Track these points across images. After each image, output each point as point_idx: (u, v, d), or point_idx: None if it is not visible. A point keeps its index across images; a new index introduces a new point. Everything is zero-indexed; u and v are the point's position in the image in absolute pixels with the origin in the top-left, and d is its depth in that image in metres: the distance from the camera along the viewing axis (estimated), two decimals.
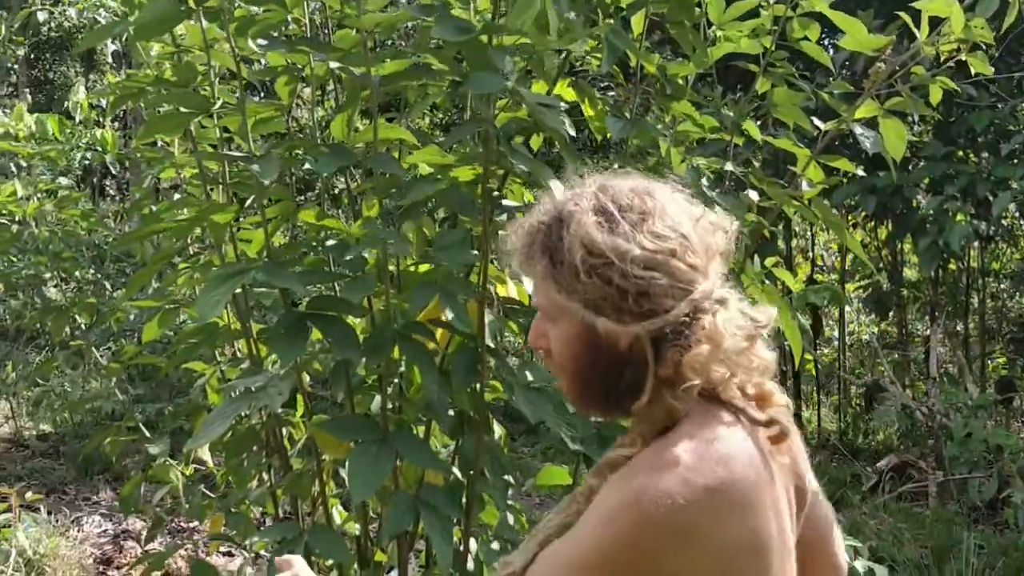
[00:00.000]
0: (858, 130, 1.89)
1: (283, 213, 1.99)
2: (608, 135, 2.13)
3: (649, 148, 2.15)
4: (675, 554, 1.00)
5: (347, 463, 1.73)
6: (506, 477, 1.96)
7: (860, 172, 2.07)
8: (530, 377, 1.86)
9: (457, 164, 1.84)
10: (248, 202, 1.95)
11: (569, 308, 1.09)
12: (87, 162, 6.69)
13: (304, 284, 1.71)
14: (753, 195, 2.01)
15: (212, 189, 2.29)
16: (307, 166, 2.03)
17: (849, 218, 9.93)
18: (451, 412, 2.19)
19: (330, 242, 1.90)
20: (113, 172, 11.58)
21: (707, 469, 1.02)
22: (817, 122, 2.03)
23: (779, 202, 1.95)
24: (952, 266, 9.03)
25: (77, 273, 6.92)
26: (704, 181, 2.13)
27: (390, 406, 2.04)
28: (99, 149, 4.80)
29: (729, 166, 2.01)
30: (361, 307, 1.84)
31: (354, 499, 1.70)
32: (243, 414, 2.30)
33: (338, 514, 2.86)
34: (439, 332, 1.93)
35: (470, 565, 1.98)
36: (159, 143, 2.63)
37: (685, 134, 2.25)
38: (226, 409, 1.75)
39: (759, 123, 2.31)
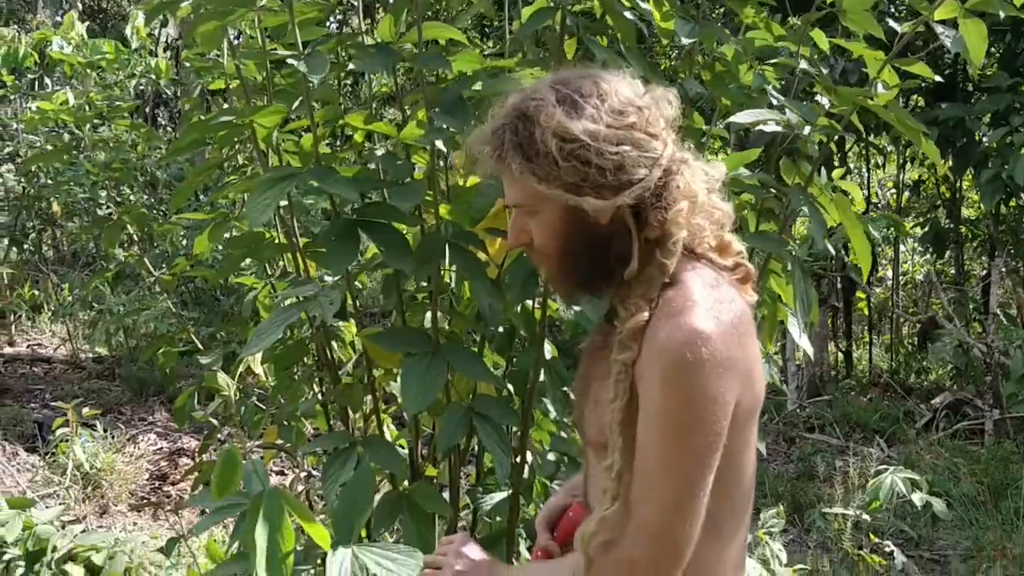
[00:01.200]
0: (939, 29, 1.78)
1: (330, 117, 1.93)
2: (671, 50, 2.05)
3: (715, 54, 2.05)
4: (724, 380, 1.12)
5: (399, 375, 1.70)
6: (564, 389, 1.91)
7: (937, 78, 1.95)
8: None
9: (519, 66, 1.76)
10: (295, 105, 1.90)
11: (551, 195, 1.19)
12: (141, 88, 6.68)
13: (355, 190, 1.66)
14: (823, 100, 1.91)
15: (256, 101, 2.25)
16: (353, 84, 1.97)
17: (907, 152, 9.66)
18: (501, 329, 2.16)
19: (379, 151, 1.84)
20: (166, 101, 11.62)
21: (724, 307, 1.16)
22: (893, 24, 1.92)
23: (854, 102, 1.85)
24: (1013, 203, 8.75)
25: (132, 197, 7.00)
26: (771, 88, 2.04)
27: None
28: (153, 76, 4.80)
29: (804, 64, 1.91)
30: (412, 215, 1.79)
31: (407, 411, 1.67)
32: (292, 329, 2.29)
33: (388, 432, 2.86)
34: (495, 245, 1.87)
35: (525, 477, 1.96)
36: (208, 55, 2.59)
37: (751, 42, 2.16)
38: (278, 317, 1.72)
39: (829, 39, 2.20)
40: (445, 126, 1.66)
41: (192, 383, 6.74)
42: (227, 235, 2.56)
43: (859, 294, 10.62)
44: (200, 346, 2.54)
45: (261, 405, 2.43)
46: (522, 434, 1.93)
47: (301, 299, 1.79)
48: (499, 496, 1.98)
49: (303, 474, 4.11)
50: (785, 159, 2.18)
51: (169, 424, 5.69)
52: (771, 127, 1.79)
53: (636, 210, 1.19)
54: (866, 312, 11.15)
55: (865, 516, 3.82)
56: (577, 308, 2.07)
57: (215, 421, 2.31)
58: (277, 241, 2.27)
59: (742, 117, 1.78)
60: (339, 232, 1.68)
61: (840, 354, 10.23)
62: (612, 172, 1.16)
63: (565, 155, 1.15)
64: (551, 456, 2.02)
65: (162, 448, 5.16)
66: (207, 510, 1.48)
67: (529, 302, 2.03)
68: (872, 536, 3.75)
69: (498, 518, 2.27)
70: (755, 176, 2.15)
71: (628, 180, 1.17)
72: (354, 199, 1.71)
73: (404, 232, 1.84)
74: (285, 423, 2.37)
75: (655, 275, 1.18)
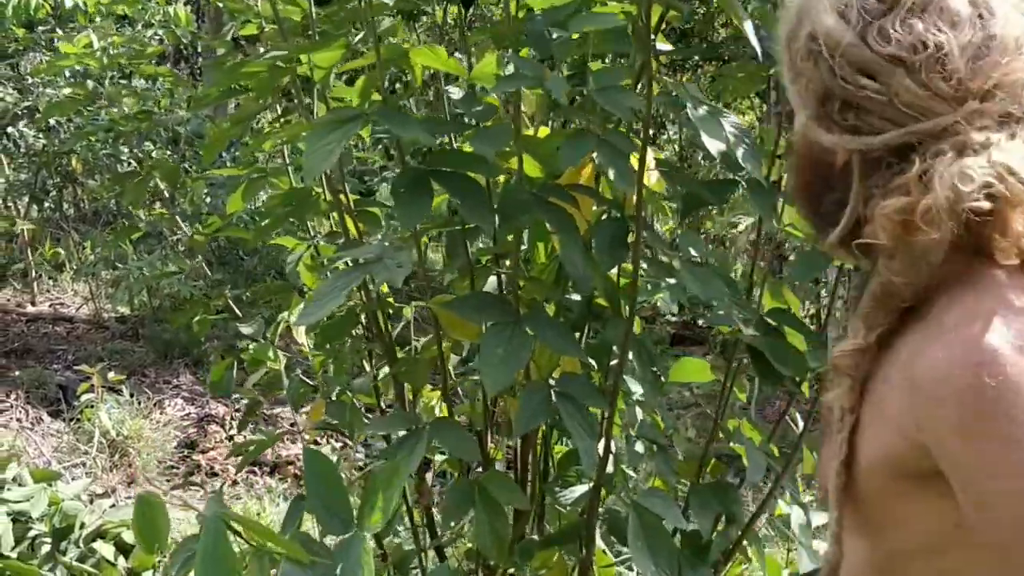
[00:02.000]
0: None
1: (393, 55, 1.68)
2: None
3: None
4: None
5: (480, 348, 1.47)
6: (654, 369, 1.68)
7: None
8: (693, 252, 1.57)
9: None
10: (358, 39, 1.65)
11: (789, 93, 0.91)
12: (159, 36, 6.43)
13: (429, 132, 1.43)
14: None
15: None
16: None
17: None
18: (577, 298, 1.94)
19: (455, 93, 1.60)
20: (186, 57, 11.36)
21: None
22: None
23: None
24: None
25: (154, 153, 6.77)
26: None
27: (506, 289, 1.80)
28: (173, 26, 4.54)
29: None
30: (494, 165, 1.55)
31: (489, 389, 1.44)
32: None
33: (440, 407, 2.64)
34: (582, 203, 1.63)
35: (609, 468, 1.73)
36: None
37: None
38: (337, 283, 1.49)
39: None
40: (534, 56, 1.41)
41: (219, 345, 6.53)
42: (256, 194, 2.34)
43: None
44: (237, 312, 2.31)
45: (305, 379, 2.21)
46: (607, 419, 1.70)
47: (362, 262, 1.56)
48: (580, 489, 1.76)
49: (344, 448, 3.91)
50: None
51: (195, 388, 5.51)
52: None
53: (866, 170, 0.85)
54: None
55: None
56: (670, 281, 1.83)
57: (259, 396, 2.10)
58: (324, 197, 2.04)
59: None
60: (409, 183, 1.44)
61: None
62: (839, 103, 0.85)
63: (804, 54, 0.87)
64: (639, 446, 1.79)
65: (190, 414, 4.98)
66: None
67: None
68: None
69: (567, 508, 2.06)
70: None
71: (855, 125, 0.84)
72: (429, 143, 1.47)
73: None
74: (332, 399, 2.16)
75: (878, 292, 0.84)
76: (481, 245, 2.03)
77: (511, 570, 1.80)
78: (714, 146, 1.36)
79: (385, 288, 2.13)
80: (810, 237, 1.06)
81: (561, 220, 1.48)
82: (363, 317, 2.08)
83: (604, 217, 1.72)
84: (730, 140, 1.40)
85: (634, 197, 1.76)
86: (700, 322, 8.63)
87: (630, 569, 2.43)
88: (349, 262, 1.79)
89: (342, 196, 1.94)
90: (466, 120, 1.62)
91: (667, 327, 8.10)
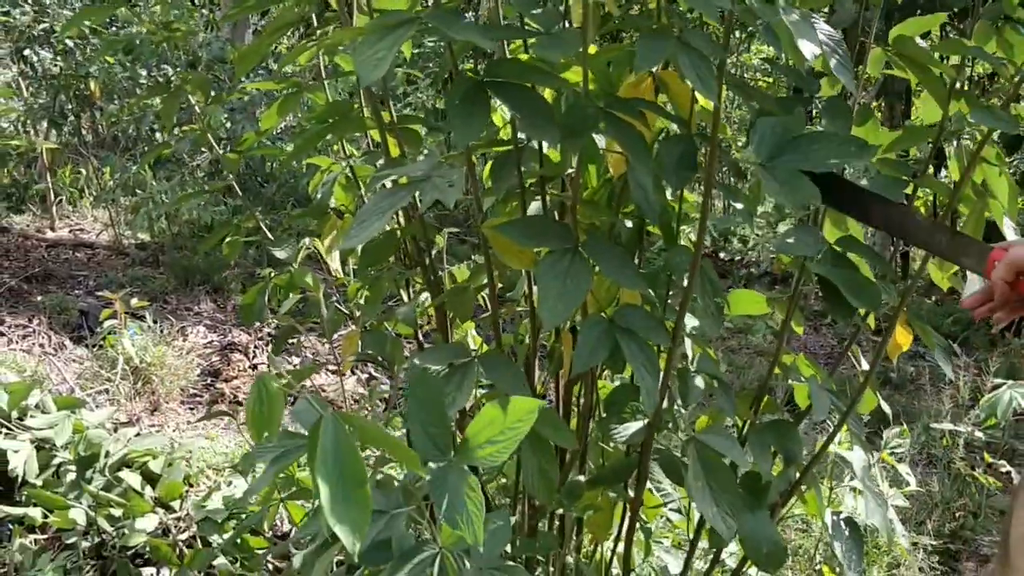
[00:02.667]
0: None
1: None
2: None
3: None
4: None
5: (537, 277, 1.36)
6: (718, 300, 1.57)
7: None
8: None
9: None
10: None
11: None
12: None
13: (488, 38, 1.29)
14: None
15: None
16: None
17: None
18: (628, 224, 1.82)
19: None
20: None
21: None
22: None
23: None
24: None
25: (173, 78, 6.60)
26: None
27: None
28: None
29: None
30: (559, 77, 1.41)
31: (545, 323, 1.34)
32: None
33: (472, 339, 2.55)
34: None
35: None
36: None
37: None
38: (382, 203, 1.37)
39: None
40: None
41: (239, 273, 6.41)
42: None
43: (919, 192, 10.06)
44: (269, 235, 2.20)
45: (341, 307, 2.11)
46: (668, 354, 1.59)
47: (409, 181, 1.44)
48: (633, 427, 1.66)
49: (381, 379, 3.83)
50: (983, 22, 1.79)
51: (217, 316, 5.45)
52: None
53: None
54: (923, 212, 10.60)
55: (979, 433, 3.49)
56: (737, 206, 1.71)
57: (294, 323, 2.00)
58: (363, 114, 1.92)
59: None
60: (465, 95, 1.32)
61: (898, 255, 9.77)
62: None
63: None
64: (699, 380, 1.68)
65: (212, 341, 4.91)
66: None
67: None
68: (987, 456, 3.43)
69: (612, 447, 1.97)
70: (952, 43, 1.76)
71: None
72: (490, 48, 1.34)
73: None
74: (367, 328, 2.06)
75: None
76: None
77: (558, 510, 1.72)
78: (809, 50, 1.22)
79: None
80: None
81: (630, 137, 1.35)
82: (401, 243, 1.98)
83: (670, 135, 1.59)
84: (824, 48, 1.26)
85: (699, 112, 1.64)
86: (722, 255, 8.51)
87: (677, 512, 2.35)
88: (389, 183, 1.67)
89: (384, 113, 1.82)
90: (525, 29, 1.48)
91: None
